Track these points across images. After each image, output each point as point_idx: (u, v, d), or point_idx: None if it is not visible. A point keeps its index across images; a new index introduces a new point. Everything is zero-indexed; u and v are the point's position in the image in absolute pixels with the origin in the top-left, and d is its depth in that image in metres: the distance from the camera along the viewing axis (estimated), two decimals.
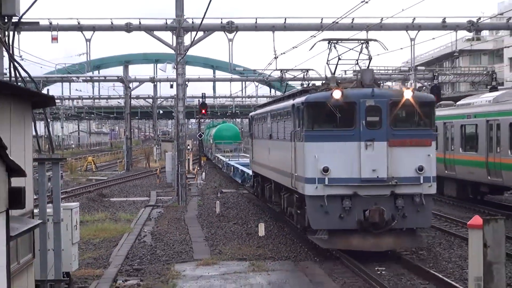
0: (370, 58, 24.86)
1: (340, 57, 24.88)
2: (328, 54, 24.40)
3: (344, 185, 19.87)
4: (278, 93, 77.97)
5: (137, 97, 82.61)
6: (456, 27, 41.19)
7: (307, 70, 36.00)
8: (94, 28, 40.29)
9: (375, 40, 25.27)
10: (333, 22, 30.30)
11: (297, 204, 22.74)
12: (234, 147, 72.50)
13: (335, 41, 24.56)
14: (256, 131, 34.45)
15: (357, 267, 18.39)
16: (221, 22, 38.76)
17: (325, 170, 19.75)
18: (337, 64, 24.70)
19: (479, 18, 40.72)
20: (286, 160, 23.79)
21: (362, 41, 25.55)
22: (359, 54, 25.14)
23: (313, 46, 27.26)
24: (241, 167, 46.02)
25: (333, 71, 23.76)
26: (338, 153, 20.16)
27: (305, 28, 38.91)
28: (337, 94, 19.65)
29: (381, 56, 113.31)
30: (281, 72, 29.64)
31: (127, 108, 71.01)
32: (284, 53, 36.87)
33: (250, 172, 39.00)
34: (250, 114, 39.31)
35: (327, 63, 24.84)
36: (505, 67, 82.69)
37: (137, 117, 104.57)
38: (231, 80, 78.83)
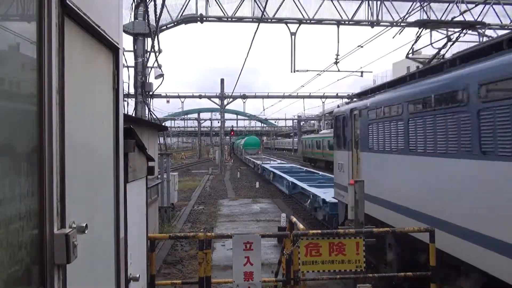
0: None
1: None
2: None
3: None
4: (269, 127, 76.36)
5: (203, 127, 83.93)
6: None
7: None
8: (184, 97, 40.99)
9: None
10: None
11: None
12: (256, 151, 60.30)
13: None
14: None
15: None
16: (240, 94, 39.23)
17: None
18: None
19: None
20: None
21: None
22: None
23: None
24: (287, 177, 18.59)
25: None
26: None
27: (277, 97, 39.14)
28: None
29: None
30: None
31: (199, 131, 72.11)
32: (267, 107, 36.91)
33: (303, 185, 15.02)
34: (349, 107, 7.67)
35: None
36: None
37: (203, 135, 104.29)
38: (244, 119, 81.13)
